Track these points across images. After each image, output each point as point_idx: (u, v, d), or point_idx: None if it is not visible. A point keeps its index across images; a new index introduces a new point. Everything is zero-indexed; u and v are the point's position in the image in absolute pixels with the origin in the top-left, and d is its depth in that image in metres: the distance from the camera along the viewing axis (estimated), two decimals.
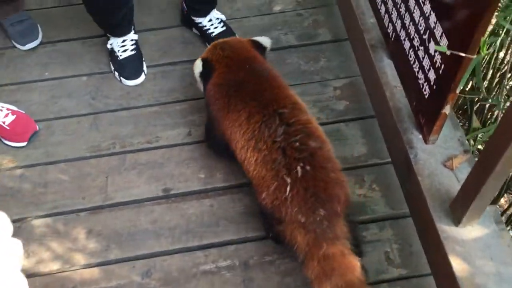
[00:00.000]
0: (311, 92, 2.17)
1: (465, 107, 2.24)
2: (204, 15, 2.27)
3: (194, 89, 2.09)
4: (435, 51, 1.44)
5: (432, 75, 1.49)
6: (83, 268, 1.79)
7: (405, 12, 1.61)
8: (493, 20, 1.42)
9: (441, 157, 1.62)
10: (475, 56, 1.22)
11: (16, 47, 2.33)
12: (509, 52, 2.00)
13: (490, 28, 1.73)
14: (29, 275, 1.76)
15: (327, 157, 1.60)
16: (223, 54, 1.83)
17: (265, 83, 1.74)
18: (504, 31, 1.53)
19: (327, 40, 2.34)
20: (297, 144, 1.57)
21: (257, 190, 1.64)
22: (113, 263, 1.80)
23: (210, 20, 2.28)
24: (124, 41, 2.22)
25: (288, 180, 1.54)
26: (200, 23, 2.29)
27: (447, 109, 1.46)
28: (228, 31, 2.28)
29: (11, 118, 2.03)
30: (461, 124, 2.30)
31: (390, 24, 1.75)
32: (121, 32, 2.21)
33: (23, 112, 2.10)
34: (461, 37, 1.31)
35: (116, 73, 2.23)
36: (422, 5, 1.49)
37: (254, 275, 1.76)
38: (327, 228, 1.50)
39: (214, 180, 1.96)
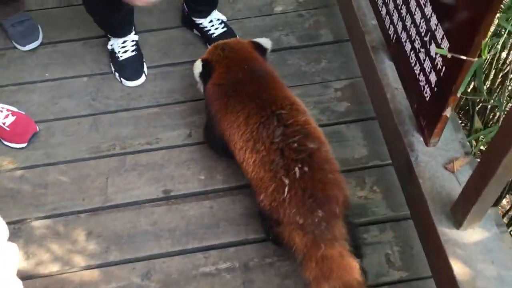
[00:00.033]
0: (312, 93, 2.17)
1: (467, 107, 2.24)
2: (205, 16, 2.27)
3: (194, 90, 2.09)
4: (436, 53, 1.43)
5: (433, 78, 1.48)
6: (83, 269, 1.79)
7: (406, 14, 1.60)
8: (496, 21, 1.41)
9: (442, 160, 1.61)
10: (476, 59, 1.21)
11: (16, 48, 2.33)
12: (511, 52, 1.99)
13: (492, 28, 1.72)
14: (29, 276, 1.77)
15: (325, 158, 1.60)
16: (223, 55, 1.83)
17: (264, 84, 1.74)
18: (506, 32, 1.52)
19: (328, 41, 2.34)
20: (295, 145, 1.57)
21: (256, 192, 1.64)
22: (113, 265, 1.79)
23: (211, 21, 2.27)
24: (124, 42, 2.21)
25: (286, 181, 1.53)
26: (201, 24, 2.28)
27: (448, 112, 1.46)
28: (229, 32, 2.27)
29: (11, 119, 2.03)
30: (463, 124, 2.29)
31: (391, 26, 1.74)
32: (121, 32, 2.21)
33: (23, 113, 2.09)
34: (462, 39, 1.30)
35: (117, 74, 2.22)
36: (423, 7, 1.48)
37: (254, 277, 1.76)
38: (325, 229, 1.50)
39: (214, 182, 1.96)
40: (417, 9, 1.52)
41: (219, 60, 1.83)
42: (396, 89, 1.76)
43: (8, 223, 1.85)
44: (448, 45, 1.37)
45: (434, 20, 1.43)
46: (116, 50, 2.21)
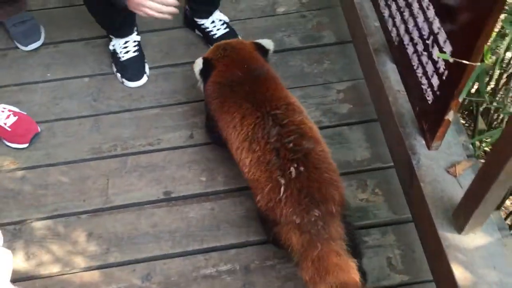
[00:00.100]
0: (314, 95, 2.16)
1: (471, 108, 2.22)
2: (207, 16, 2.26)
3: (196, 91, 2.08)
4: (439, 57, 1.42)
5: (435, 81, 1.47)
6: (83, 271, 1.79)
7: (409, 17, 1.59)
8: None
9: (444, 163, 1.59)
10: (478, 64, 1.20)
11: (18, 48, 2.33)
12: None
13: (497, 29, 1.71)
14: (29, 277, 1.77)
15: (321, 158, 1.59)
16: (224, 54, 1.84)
17: (262, 84, 1.74)
18: (511, 34, 1.51)
19: (331, 42, 2.32)
20: (291, 145, 1.57)
21: (253, 193, 1.64)
22: (113, 266, 1.79)
23: (213, 21, 2.27)
24: (126, 42, 2.21)
25: (282, 181, 1.53)
26: (203, 24, 2.27)
27: (450, 116, 1.44)
28: (231, 33, 2.26)
29: (12, 119, 2.03)
30: (467, 125, 2.28)
31: (393, 28, 1.73)
32: (123, 33, 2.20)
33: (25, 113, 2.09)
34: (464, 43, 1.29)
35: (118, 75, 2.22)
36: (426, 10, 1.47)
37: (255, 279, 1.75)
38: (321, 229, 1.49)
39: (215, 183, 1.95)
40: (420, 11, 1.51)
41: (220, 58, 1.83)
42: (398, 92, 1.75)
43: (9, 224, 1.87)
44: (451, 48, 1.36)
45: (436, 23, 1.42)
46: (118, 51, 2.21)
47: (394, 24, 1.72)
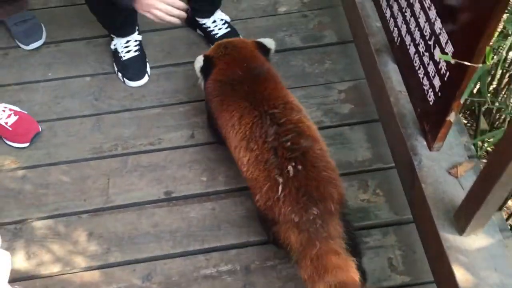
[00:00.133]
0: (315, 95, 2.15)
1: (473, 107, 2.22)
2: (208, 16, 2.26)
3: (197, 90, 2.08)
4: (440, 58, 1.42)
5: (437, 82, 1.46)
6: (84, 270, 1.79)
7: (411, 17, 1.58)
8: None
9: (446, 164, 1.59)
10: (480, 65, 1.19)
11: (19, 47, 2.33)
12: None
13: (499, 29, 1.70)
14: (29, 277, 1.77)
15: (319, 156, 1.59)
16: (225, 52, 1.84)
17: (261, 83, 1.73)
18: None
19: (332, 42, 2.32)
20: (289, 143, 1.57)
21: (252, 192, 1.64)
22: (113, 266, 1.79)
23: (214, 21, 2.26)
24: (128, 41, 2.21)
25: (280, 180, 1.53)
26: (204, 24, 2.27)
27: (452, 117, 1.44)
28: (232, 32, 2.26)
29: (13, 118, 2.03)
30: (469, 124, 2.28)
31: (395, 29, 1.72)
32: (124, 32, 2.20)
33: (26, 112, 2.09)
34: (466, 44, 1.28)
35: (120, 74, 2.22)
36: (428, 11, 1.47)
37: (256, 279, 1.75)
38: (320, 227, 1.49)
39: (216, 183, 1.95)
40: (422, 12, 1.50)
41: (221, 57, 1.83)
42: (399, 93, 1.74)
43: (9, 223, 1.88)
44: (452, 49, 1.35)
45: (438, 24, 1.41)
46: (119, 50, 2.21)
47: (396, 24, 1.71)
